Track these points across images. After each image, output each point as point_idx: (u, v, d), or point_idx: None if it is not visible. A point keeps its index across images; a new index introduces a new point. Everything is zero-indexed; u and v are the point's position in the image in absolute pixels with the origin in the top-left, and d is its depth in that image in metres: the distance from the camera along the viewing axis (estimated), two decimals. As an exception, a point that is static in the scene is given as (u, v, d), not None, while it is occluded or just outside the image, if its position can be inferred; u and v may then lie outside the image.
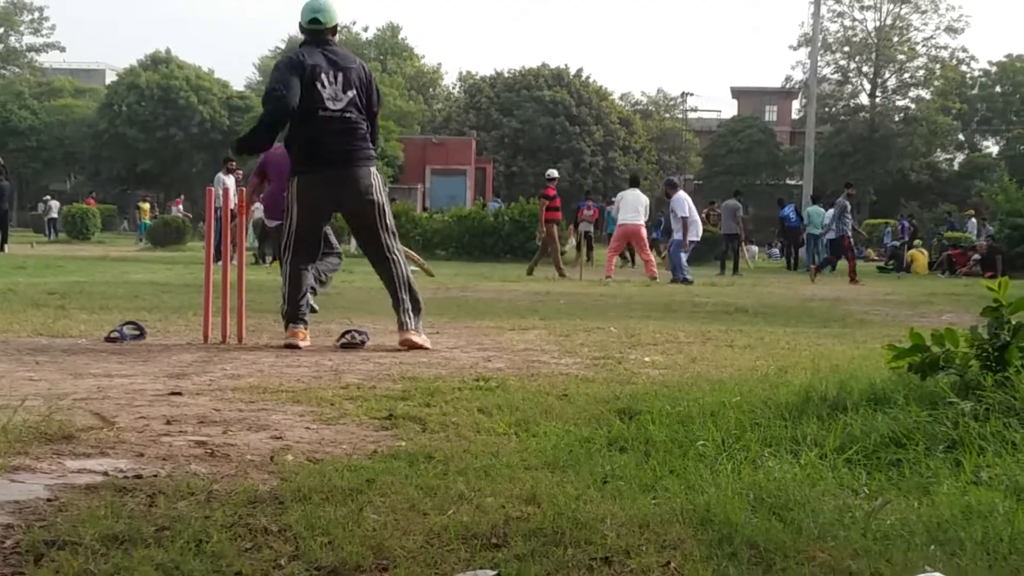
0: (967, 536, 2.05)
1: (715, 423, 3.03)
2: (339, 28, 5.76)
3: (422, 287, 5.69)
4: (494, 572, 1.87)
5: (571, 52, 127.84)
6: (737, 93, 66.48)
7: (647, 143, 56.24)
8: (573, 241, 20.79)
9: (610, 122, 53.33)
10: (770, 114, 63.51)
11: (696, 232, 15.54)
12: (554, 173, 17.04)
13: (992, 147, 59.91)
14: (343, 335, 5.54)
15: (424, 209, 26.23)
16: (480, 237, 22.29)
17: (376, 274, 5.70)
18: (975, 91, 57.75)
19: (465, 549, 1.99)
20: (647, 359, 5.11)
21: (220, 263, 6.12)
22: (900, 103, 57.10)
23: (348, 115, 5.39)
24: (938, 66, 56.09)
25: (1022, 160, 50.54)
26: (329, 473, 2.51)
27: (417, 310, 5.50)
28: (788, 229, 24.27)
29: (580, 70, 55.04)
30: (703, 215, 22.41)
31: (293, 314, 5.47)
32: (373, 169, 5.52)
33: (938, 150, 57.67)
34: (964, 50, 59.79)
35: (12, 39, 64.82)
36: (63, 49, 66.18)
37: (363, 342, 5.46)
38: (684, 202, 15.39)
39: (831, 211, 22.83)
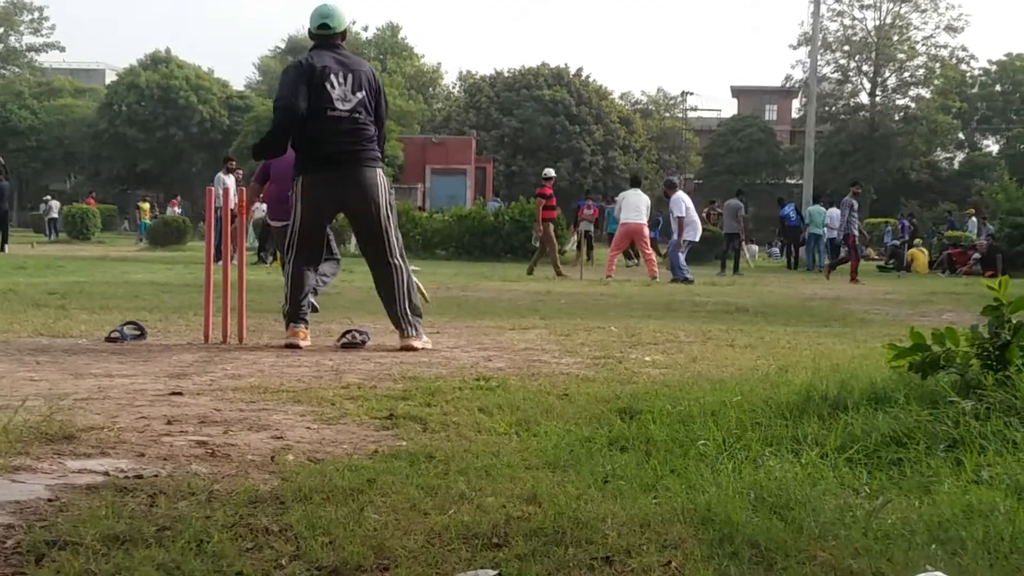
0: (968, 535, 2.05)
1: (716, 422, 3.03)
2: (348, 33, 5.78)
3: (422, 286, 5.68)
4: (495, 572, 1.87)
5: (571, 51, 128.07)
6: (737, 92, 66.43)
7: (647, 142, 56.20)
8: (574, 240, 20.80)
9: (610, 121, 53.30)
10: (770, 113, 63.45)
11: (694, 232, 15.52)
12: (551, 172, 17.04)
13: (992, 146, 59.90)
14: (344, 335, 5.54)
15: (420, 208, 26.18)
16: (480, 237, 22.29)
17: (372, 276, 5.65)
18: (975, 90, 57.72)
19: (466, 549, 1.99)
20: (648, 358, 5.11)
21: (220, 263, 6.12)
22: (900, 102, 57.11)
23: (357, 115, 5.39)
24: (938, 65, 56.07)
25: (1022, 159, 50.52)
26: (330, 473, 2.51)
27: (417, 315, 5.49)
28: (788, 228, 24.28)
29: (580, 69, 55.04)
30: (703, 214, 22.41)
31: (294, 314, 5.47)
32: (379, 171, 5.51)
33: (938, 149, 57.63)
34: (964, 49, 59.77)
35: (12, 39, 64.81)
36: (63, 49, 66.22)
37: (364, 342, 5.46)
38: (681, 202, 15.39)
39: (832, 210, 22.89)
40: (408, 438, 3.03)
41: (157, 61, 55.07)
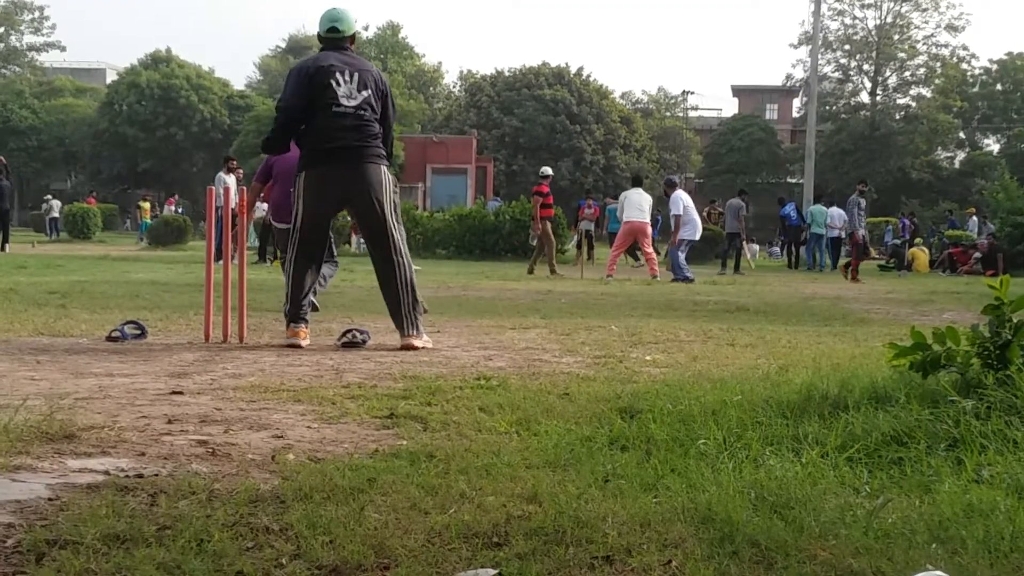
0: (968, 534, 2.05)
1: (716, 422, 3.03)
2: (356, 37, 5.82)
3: (423, 285, 5.68)
4: (495, 571, 1.87)
5: (572, 51, 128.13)
6: (738, 91, 66.43)
7: (648, 142, 56.21)
8: (575, 239, 20.80)
9: (611, 121, 53.31)
10: (771, 112, 63.46)
11: (694, 230, 15.51)
12: (548, 170, 17.03)
13: (993, 145, 59.91)
14: (344, 334, 5.54)
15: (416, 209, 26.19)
16: (481, 236, 22.29)
17: (376, 273, 5.67)
18: (976, 89, 57.73)
19: (466, 548, 1.99)
20: (648, 358, 5.11)
21: (221, 262, 6.12)
22: (901, 101, 57.14)
23: (362, 112, 5.41)
24: (939, 64, 56.08)
25: (1023, 158, 50.49)
26: (330, 472, 2.51)
27: (418, 313, 5.49)
28: (789, 227, 24.26)
29: (581, 69, 55.08)
30: (703, 214, 22.40)
31: (295, 313, 5.47)
32: (384, 168, 5.51)
33: (939, 148, 57.63)
34: (965, 48, 59.97)
35: (13, 38, 64.87)
36: (63, 48, 66.30)
37: (364, 341, 5.46)
38: (679, 200, 15.38)
39: (833, 209, 22.90)
40: (409, 437, 3.03)
41: (158, 60, 55.10)
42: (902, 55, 56.13)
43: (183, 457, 2.73)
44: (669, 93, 67.30)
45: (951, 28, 55.47)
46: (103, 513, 2.12)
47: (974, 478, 2.48)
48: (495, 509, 2.22)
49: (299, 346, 5.33)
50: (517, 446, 2.88)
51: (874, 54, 55.80)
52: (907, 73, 56.87)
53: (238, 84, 61.23)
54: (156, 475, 2.52)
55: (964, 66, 57.17)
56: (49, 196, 37.37)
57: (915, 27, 56.19)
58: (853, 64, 57.05)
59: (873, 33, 55.93)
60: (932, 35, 56.08)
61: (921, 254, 23.52)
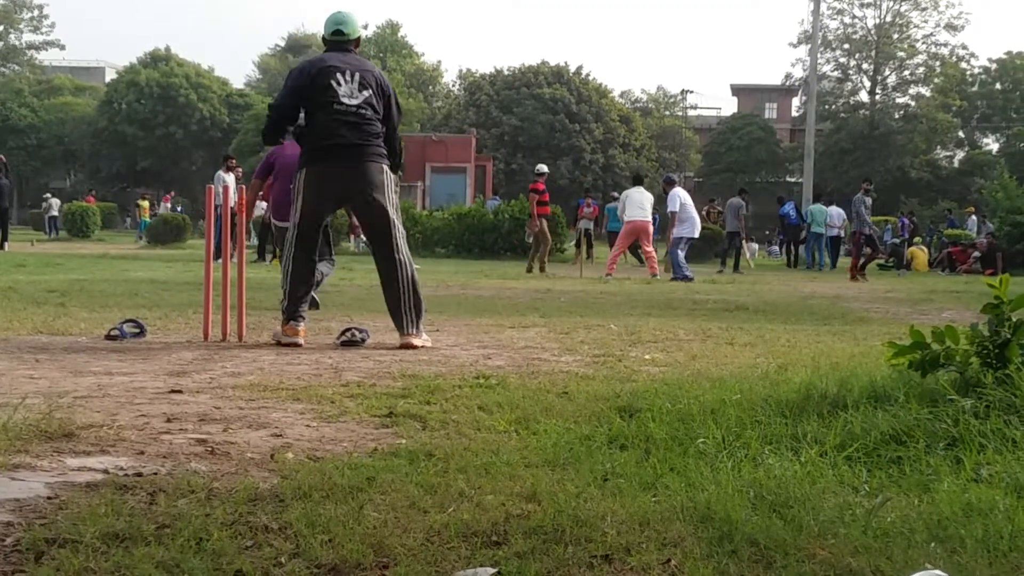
0: (967, 533, 2.05)
1: (715, 421, 3.03)
2: (361, 40, 5.85)
3: (421, 284, 5.68)
4: (494, 570, 1.87)
5: (571, 49, 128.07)
6: (737, 90, 66.45)
7: (647, 140, 56.22)
8: (574, 238, 20.81)
9: (610, 119, 53.32)
10: (770, 111, 63.48)
11: (692, 228, 15.50)
12: (543, 168, 17.03)
13: (992, 144, 59.93)
14: (343, 333, 5.54)
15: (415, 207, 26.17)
16: (480, 235, 22.29)
17: (377, 272, 5.67)
18: (975, 88, 57.76)
19: (465, 547, 1.99)
20: (647, 357, 5.11)
21: (220, 261, 6.12)
22: (900, 100, 57.18)
23: (363, 111, 5.43)
24: (938, 63, 56.10)
25: (1022, 157, 50.52)
26: (329, 471, 2.51)
27: (419, 312, 5.49)
28: (788, 226, 24.27)
29: (580, 67, 55.12)
30: (703, 213, 22.39)
31: (293, 311, 5.47)
32: (385, 166, 5.52)
33: (938, 147, 57.65)
34: (964, 47, 60.02)
35: (12, 37, 64.83)
36: (63, 47, 66.26)
37: (363, 340, 5.46)
38: (676, 198, 15.38)
39: (832, 208, 22.90)
40: (407, 436, 3.03)
41: (157, 59, 55.11)
42: (901, 54, 56.16)
43: (182, 456, 2.73)
44: (668, 92, 67.39)
45: (950, 27, 55.54)
46: (102, 512, 2.12)
47: (973, 477, 2.48)
48: (494, 508, 2.22)
49: (298, 344, 5.33)
50: (516, 445, 2.88)
51: (873, 53, 55.82)
52: (906, 72, 56.90)
53: (237, 83, 61.31)
54: (155, 474, 2.51)
55: (963, 65, 57.22)
56: (48, 195, 37.37)
57: (914, 26, 56.27)
58: (852, 63, 57.08)
59: (872, 32, 55.95)
60: (931, 34, 56.19)
61: (920, 253, 23.52)
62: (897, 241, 25.94)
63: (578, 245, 19.88)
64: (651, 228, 15.48)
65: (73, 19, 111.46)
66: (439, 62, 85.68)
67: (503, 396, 3.67)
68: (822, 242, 22.63)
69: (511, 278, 13.71)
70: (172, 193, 38.07)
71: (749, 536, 2.03)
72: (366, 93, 5.45)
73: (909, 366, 3.28)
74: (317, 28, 5.83)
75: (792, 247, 24.15)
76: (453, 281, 12.31)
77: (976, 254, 21.06)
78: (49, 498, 2.28)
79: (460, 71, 67.97)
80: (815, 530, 2.09)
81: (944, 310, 9.41)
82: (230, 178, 16.20)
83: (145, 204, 33.06)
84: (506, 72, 54.71)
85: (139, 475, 2.50)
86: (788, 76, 60.02)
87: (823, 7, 48.01)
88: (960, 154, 59.39)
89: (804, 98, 51.26)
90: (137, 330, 5.55)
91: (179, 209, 35.03)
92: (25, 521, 2.10)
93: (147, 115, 52.54)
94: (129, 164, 53.72)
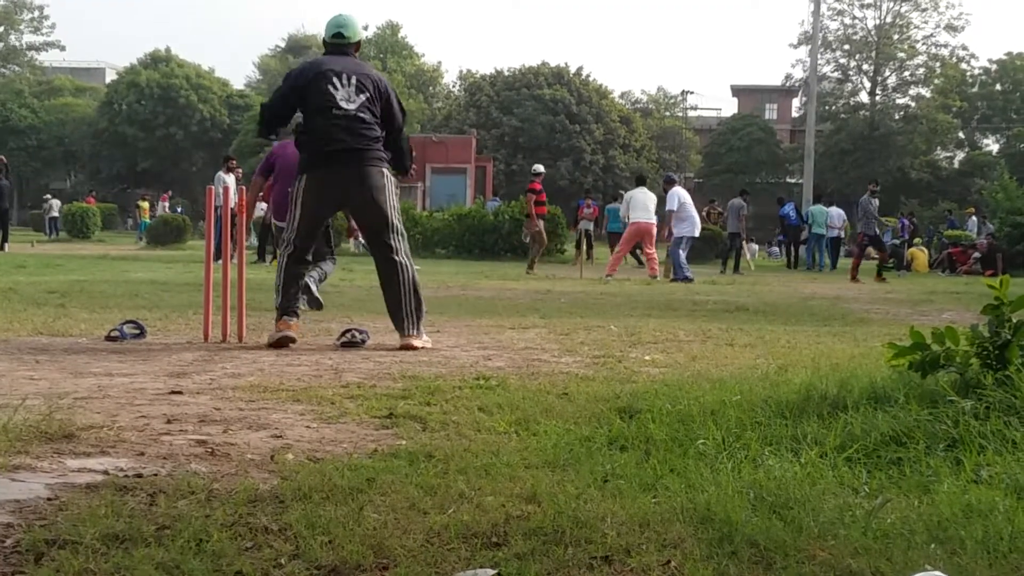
0: (967, 534, 2.05)
1: (715, 422, 3.03)
2: (362, 44, 5.86)
3: (422, 285, 5.68)
4: (494, 571, 1.87)
5: (571, 50, 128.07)
6: (737, 91, 66.42)
7: (647, 141, 56.20)
8: (575, 239, 20.80)
9: (610, 120, 53.30)
10: (770, 112, 63.46)
11: (692, 227, 15.48)
12: (540, 168, 17.03)
13: (992, 145, 59.92)
14: (343, 334, 5.54)
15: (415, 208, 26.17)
16: (480, 235, 22.29)
17: (377, 273, 5.67)
18: (975, 89, 57.73)
19: (465, 548, 1.99)
20: (647, 358, 5.11)
21: (220, 261, 6.12)
22: (900, 101, 57.15)
23: (362, 115, 5.42)
24: (938, 64, 56.08)
25: (1022, 158, 50.51)
26: (329, 472, 2.51)
27: (420, 314, 5.49)
28: (788, 227, 24.27)
29: (580, 68, 55.09)
30: (703, 213, 22.39)
31: (286, 306, 5.48)
32: (384, 170, 5.52)
33: (938, 148, 57.63)
34: (964, 48, 59.95)
35: (12, 38, 64.83)
36: (63, 48, 66.26)
37: (363, 341, 5.46)
38: (675, 197, 15.37)
39: (833, 209, 22.91)
40: (408, 437, 3.03)
41: (157, 60, 55.11)
42: (901, 55, 56.14)
43: (182, 457, 2.73)
44: (668, 93, 67.34)
45: (950, 28, 55.51)
46: (102, 513, 2.12)
47: (973, 478, 2.48)
48: (494, 509, 2.22)
49: (291, 338, 5.33)
50: (516, 446, 2.88)
51: (873, 54, 55.80)
52: (906, 73, 56.88)
53: (237, 84, 61.28)
54: (155, 475, 2.51)
55: (963, 66, 57.19)
56: (48, 195, 37.38)
57: (915, 27, 56.23)
58: (852, 64, 57.06)
59: (872, 33, 55.94)
60: (931, 35, 56.15)
61: (920, 254, 23.54)
62: (897, 242, 25.94)
63: (578, 246, 19.88)
64: (655, 230, 15.48)
65: (73, 20, 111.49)
66: (439, 63, 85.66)
67: (503, 397, 3.67)
68: (822, 243, 22.64)
69: (511, 279, 13.71)
70: (169, 192, 38.03)
71: (749, 537, 2.03)
72: (363, 97, 5.44)
73: (909, 367, 3.28)
74: (317, 29, 5.84)
75: (792, 248, 24.16)
76: (453, 282, 12.31)
77: (976, 255, 21.06)
78: (49, 499, 2.28)
79: (460, 72, 68.01)
80: (815, 531, 2.09)
81: (944, 311, 9.41)
82: (230, 179, 16.20)
83: (145, 205, 33.06)
84: (506, 73, 54.72)
85: (139, 476, 2.50)
86: (788, 77, 60.06)
87: (823, 8, 48.03)
88: (960, 155, 59.37)
89: (804, 99, 51.26)
90: (137, 331, 5.55)
91: (179, 210, 35.03)
92: (25, 522, 2.10)
93: (147, 116, 52.55)
94: (129, 165, 53.73)
